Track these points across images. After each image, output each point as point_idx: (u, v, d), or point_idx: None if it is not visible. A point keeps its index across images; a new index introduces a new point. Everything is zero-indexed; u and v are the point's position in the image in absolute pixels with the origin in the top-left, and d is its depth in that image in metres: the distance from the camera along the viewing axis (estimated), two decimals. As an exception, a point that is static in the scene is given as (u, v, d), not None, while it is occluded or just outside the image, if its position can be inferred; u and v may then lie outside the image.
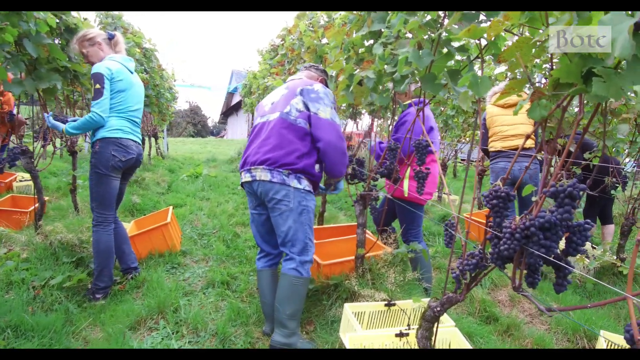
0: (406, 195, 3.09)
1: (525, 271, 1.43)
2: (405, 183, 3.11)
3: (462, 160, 11.42)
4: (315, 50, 4.21)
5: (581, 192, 1.23)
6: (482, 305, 3.18)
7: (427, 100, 2.36)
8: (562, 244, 1.38)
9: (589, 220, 1.35)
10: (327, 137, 2.41)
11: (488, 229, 1.47)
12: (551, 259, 1.36)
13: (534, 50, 1.42)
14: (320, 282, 2.91)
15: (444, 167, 6.73)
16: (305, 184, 2.45)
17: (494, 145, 4.12)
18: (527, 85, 1.48)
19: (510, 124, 4.04)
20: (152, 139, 10.87)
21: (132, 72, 3.16)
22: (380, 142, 3.41)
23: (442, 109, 6.55)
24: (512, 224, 1.30)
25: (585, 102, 1.42)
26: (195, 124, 47.05)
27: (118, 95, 2.98)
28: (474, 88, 1.65)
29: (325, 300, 2.84)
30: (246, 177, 2.50)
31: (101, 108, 2.86)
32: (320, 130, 2.41)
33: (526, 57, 1.43)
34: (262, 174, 2.40)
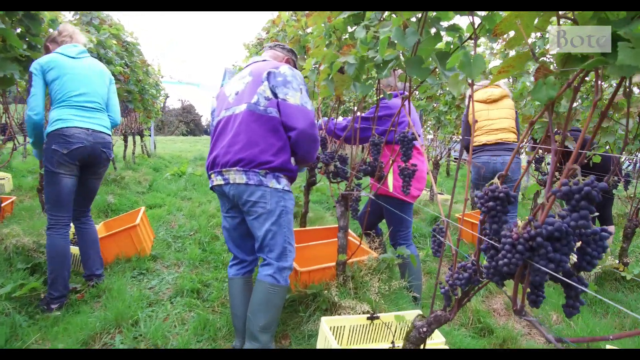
0: (391, 190, 2.82)
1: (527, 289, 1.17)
2: (390, 179, 2.84)
3: (455, 159, 11.16)
4: (299, 40, 3.94)
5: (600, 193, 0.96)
6: (475, 316, 2.92)
7: (414, 87, 2.09)
8: (572, 256, 1.13)
9: (606, 227, 1.09)
10: (299, 126, 2.14)
11: (482, 237, 1.20)
12: (560, 276, 1.10)
13: (537, 19, 1.16)
14: (298, 291, 2.63)
15: (437, 165, 6.47)
16: (284, 183, 2.21)
17: (478, 140, 3.97)
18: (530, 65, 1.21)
19: (494, 118, 3.93)
20: (137, 137, 10.55)
21: (74, 57, 2.89)
22: (339, 122, 3.15)
23: (435, 105, 6.29)
24: (514, 232, 1.04)
25: (602, 80, 1.15)
26: (187, 123, 46.63)
27: (53, 85, 2.76)
28: (466, 69, 1.37)
29: (303, 312, 2.56)
30: (218, 180, 2.22)
31: (30, 106, 2.69)
32: (290, 118, 2.14)
33: (528, 28, 1.16)
34: (236, 176, 2.14)
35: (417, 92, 7.28)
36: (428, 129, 7.83)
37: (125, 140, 8.84)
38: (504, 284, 1.19)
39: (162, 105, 13.34)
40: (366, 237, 3.46)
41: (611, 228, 4.37)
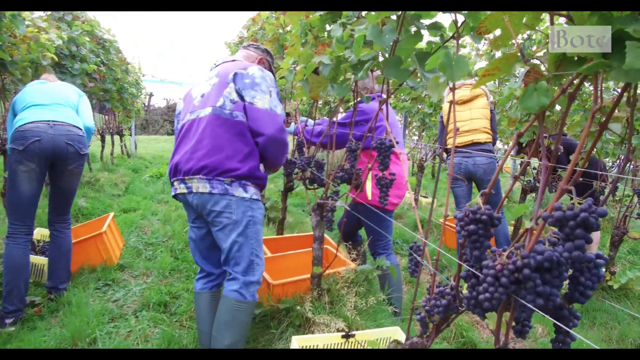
0: (369, 198, 2.67)
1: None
2: (368, 185, 2.69)
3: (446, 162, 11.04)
4: (278, 38, 3.78)
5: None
6: (458, 329, 2.78)
7: (392, 90, 1.94)
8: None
9: (601, 253, 0.95)
10: (267, 131, 2.00)
11: (462, 263, 1.06)
12: (549, 310, 0.96)
13: (526, 17, 1.03)
14: (270, 305, 2.47)
15: (421, 168, 6.34)
16: (252, 192, 2.05)
17: (450, 142, 3.88)
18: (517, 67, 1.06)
19: (465, 119, 3.87)
20: (117, 137, 10.28)
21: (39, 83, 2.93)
22: (312, 125, 2.99)
23: (420, 106, 6.16)
24: (497, 262, 0.89)
25: (600, 86, 1.01)
26: (172, 122, 45.96)
27: (16, 104, 2.80)
28: (447, 71, 1.22)
29: (275, 328, 2.40)
30: (181, 189, 2.06)
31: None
32: (258, 123, 2.00)
33: (516, 26, 1.02)
34: (199, 185, 1.99)
35: (401, 94, 7.16)
36: (413, 130, 7.71)
37: (103, 140, 8.56)
38: (486, 316, 1.04)
39: (145, 104, 13.07)
40: (345, 246, 3.31)
41: (597, 234, 4.26)
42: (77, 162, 2.82)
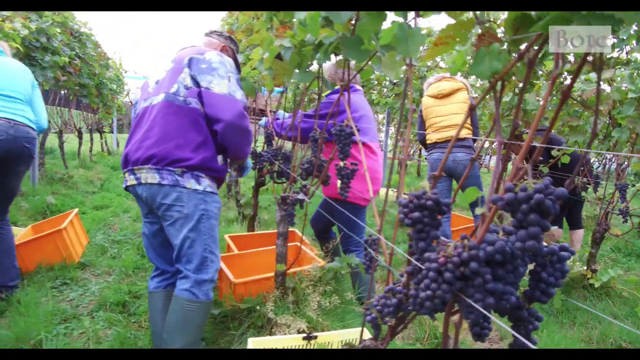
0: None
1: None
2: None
3: (425, 158, 10.96)
4: (251, 29, 3.64)
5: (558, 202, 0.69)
6: (432, 330, 2.65)
7: (354, 74, 1.82)
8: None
9: (566, 245, 0.83)
10: (225, 117, 1.86)
11: (409, 257, 0.93)
12: (504, 310, 0.83)
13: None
14: (232, 305, 2.33)
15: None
16: (205, 184, 1.92)
17: (430, 138, 3.85)
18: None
19: (445, 114, 3.77)
20: (96, 134, 10.06)
21: None
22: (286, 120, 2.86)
23: (401, 102, 6.04)
24: (441, 255, 0.76)
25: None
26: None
27: None
28: (401, 44, 1.09)
29: (235, 329, 2.26)
30: (130, 180, 1.93)
31: None
32: (215, 109, 1.86)
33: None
34: (148, 175, 1.85)
35: (385, 90, 7.04)
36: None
37: (80, 137, 8.35)
38: (436, 317, 0.91)
39: (129, 100, 12.79)
40: (318, 242, 3.18)
41: (580, 232, 4.16)
42: (27, 163, 2.71)
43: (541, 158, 3.70)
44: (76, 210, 3.60)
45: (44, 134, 6.51)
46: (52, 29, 5.18)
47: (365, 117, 2.70)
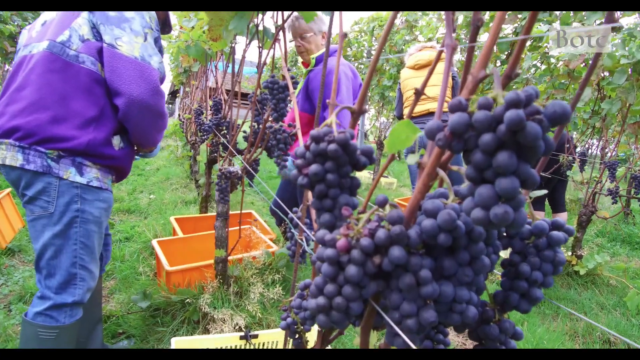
0: None
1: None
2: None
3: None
4: None
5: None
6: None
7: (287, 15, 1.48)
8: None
9: (559, 221, 0.49)
10: (130, 91, 1.37)
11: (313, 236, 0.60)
12: (461, 327, 0.51)
13: None
14: (164, 297, 2.00)
15: (381, 145, 5.90)
16: (91, 176, 1.44)
17: (406, 112, 3.48)
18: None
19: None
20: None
21: None
22: None
23: (379, 79, 5.71)
24: (343, 232, 0.44)
25: None
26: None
27: None
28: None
29: (166, 325, 1.93)
30: None
31: None
32: (119, 76, 1.37)
33: None
34: (7, 154, 1.35)
35: (362, 66, 6.69)
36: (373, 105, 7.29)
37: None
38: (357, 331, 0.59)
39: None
40: (279, 225, 2.85)
41: (564, 215, 3.87)
42: None
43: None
44: (8, 190, 3.21)
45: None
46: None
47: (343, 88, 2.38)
